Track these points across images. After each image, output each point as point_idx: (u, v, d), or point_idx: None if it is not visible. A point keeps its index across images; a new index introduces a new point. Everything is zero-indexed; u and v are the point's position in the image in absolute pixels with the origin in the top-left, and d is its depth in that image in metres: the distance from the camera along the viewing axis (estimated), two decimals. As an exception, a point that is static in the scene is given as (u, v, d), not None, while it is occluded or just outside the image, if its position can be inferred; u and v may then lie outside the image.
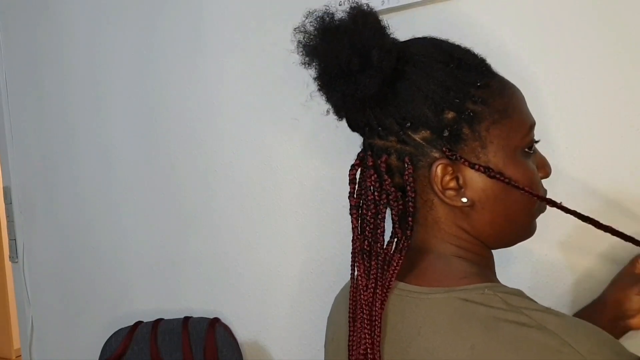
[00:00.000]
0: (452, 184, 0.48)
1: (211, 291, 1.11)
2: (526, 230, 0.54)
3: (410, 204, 0.49)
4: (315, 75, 0.51)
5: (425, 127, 0.48)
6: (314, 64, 0.50)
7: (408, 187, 0.49)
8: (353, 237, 0.53)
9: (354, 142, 0.91)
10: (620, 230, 0.52)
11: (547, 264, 0.77)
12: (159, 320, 1.11)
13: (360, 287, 0.50)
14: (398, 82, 0.48)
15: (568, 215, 0.51)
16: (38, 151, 1.36)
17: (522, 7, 0.77)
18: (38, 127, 1.36)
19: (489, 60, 0.52)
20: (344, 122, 0.55)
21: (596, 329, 0.41)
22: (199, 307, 1.13)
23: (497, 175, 0.47)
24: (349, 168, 0.54)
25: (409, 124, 0.48)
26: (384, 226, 0.50)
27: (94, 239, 1.27)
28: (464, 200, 0.49)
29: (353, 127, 0.54)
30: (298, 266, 1.00)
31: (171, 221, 1.15)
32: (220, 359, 1.02)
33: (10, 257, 1.43)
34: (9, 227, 1.43)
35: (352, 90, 0.47)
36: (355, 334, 0.50)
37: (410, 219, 0.50)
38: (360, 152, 0.55)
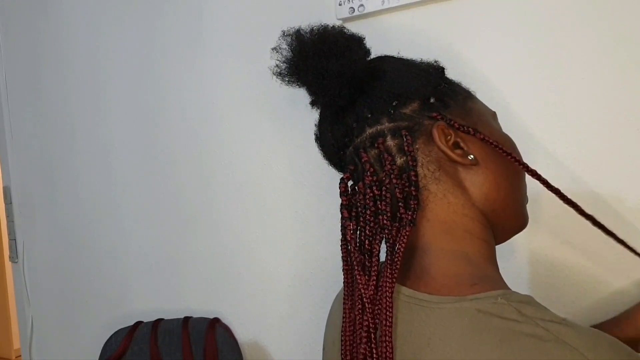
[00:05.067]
0: (453, 144, 0.50)
1: (211, 291, 1.11)
2: (522, 211, 0.55)
3: (412, 172, 0.49)
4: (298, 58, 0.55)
5: (413, 98, 0.51)
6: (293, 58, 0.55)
7: (409, 157, 0.49)
8: (348, 248, 0.52)
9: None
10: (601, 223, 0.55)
11: (547, 264, 0.78)
12: (159, 320, 1.11)
13: (361, 284, 0.48)
14: (377, 71, 0.52)
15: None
16: (38, 151, 1.36)
17: (523, 6, 0.77)
18: (38, 127, 1.36)
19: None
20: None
21: (615, 342, 0.40)
22: (199, 307, 1.13)
23: (486, 138, 0.50)
24: (339, 182, 0.54)
25: (396, 102, 0.51)
26: (390, 211, 0.49)
27: (94, 239, 1.28)
28: (471, 157, 0.50)
29: (340, 135, 0.55)
30: (298, 266, 1.00)
31: (171, 221, 1.15)
32: (220, 359, 1.02)
33: (10, 257, 1.43)
34: (9, 227, 1.43)
35: (344, 65, 0.50)
36: (353, 334, 0.49)
37: (414, 193, 0.49)
38: (349, 166, 0.55)
